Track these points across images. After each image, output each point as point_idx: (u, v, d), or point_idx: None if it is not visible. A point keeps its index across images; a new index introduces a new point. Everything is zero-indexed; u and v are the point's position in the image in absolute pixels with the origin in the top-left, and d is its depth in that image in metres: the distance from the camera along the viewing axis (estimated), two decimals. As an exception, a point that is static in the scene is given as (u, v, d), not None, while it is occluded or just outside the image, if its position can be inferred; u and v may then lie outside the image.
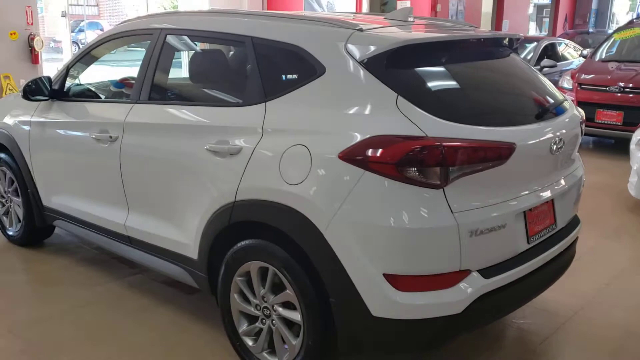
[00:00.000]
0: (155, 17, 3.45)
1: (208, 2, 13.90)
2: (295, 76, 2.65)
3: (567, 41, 11.93)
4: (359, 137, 2.25)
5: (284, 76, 2.70)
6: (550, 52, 10.65)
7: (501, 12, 14.89)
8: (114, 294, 3.58)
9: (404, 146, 2.19)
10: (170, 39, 3.19)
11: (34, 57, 11.02)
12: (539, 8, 23.39)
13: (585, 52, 9.85)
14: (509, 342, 3.12)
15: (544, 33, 19.68)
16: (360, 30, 2.51)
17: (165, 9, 39.30)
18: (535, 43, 10.68)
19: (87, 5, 30.66)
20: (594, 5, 21.11)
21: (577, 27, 19.11)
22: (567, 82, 8.22)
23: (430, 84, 2.56)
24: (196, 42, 3.43)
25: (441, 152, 2.18)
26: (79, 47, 21.81)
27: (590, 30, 17.53)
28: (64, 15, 11.91)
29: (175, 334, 3.11)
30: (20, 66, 10.96)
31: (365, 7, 12.68)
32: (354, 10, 12.60)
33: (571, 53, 11.38)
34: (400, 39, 2.45)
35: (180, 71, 3.76)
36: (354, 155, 2.24)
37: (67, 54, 13.90)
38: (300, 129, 2.46)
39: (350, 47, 2.44)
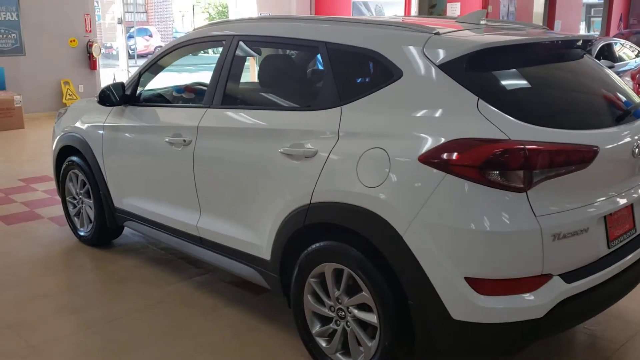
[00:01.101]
0: (227, 24, 3.54)
1: (256, 6, 14.10)
2: (371, 80, 2.67)
3: (622, 41, 11.62)
4: (439, 140, 2.26)
5: (359, 80, 2.73)
6: (606, 52, 10.40)
7: (553, 13, 14.60)
8: (183, 293, 3.68)
9: (486, 149, 2.19)
10: (243, 45, 3.27)
11: (92, 63, 11.39)
12: (588, 7, 22.78)
13: (644, 52, 9.58)
14: (584, 348, 3.07)
15: (595, 33, 19.16)
16: (438, 34, 2.52)
17: (209, 15, 39.81)
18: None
19: (137, 12, 31.48)
20: (650, 4, 20.45)
21: (632, 27, 18.55)
22: (626, 84, 8.01)
23: (509, 87, 2.55)
24: (269, 48, 3.50)
25: (524, 155, 2.17)
26: (129, 53, 22.36)
27: (647, 29, 17.00)
28: (120, 22, 12.27)
29: (246, 333, 3.18)
30: (79, 72, 11.36)
31: (414, 10, 12.63)
32: (403, 13, 12.58)
33: (627, 53, 11.08)
34: (479, 42, 2.45)
35: (246, 76, 3.84)
36: (434, 158, 2.25)
37: (123, 60, 14.32)
38: (377, 133, 2.48)
39: (428, 50, 2.46)
